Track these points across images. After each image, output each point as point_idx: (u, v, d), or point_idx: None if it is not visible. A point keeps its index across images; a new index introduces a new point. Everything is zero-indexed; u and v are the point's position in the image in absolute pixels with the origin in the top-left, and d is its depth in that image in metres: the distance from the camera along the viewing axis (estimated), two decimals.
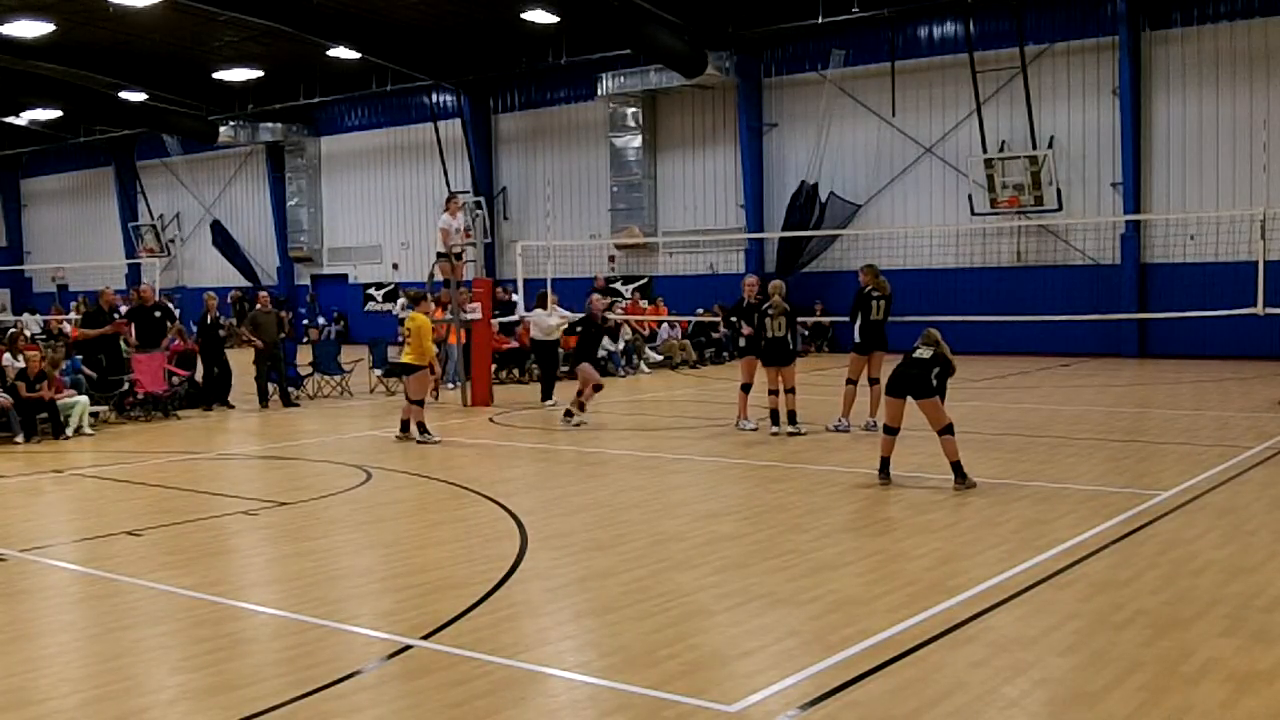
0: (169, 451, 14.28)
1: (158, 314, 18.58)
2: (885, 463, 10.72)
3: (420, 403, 14.43)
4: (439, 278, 19.38)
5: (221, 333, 18.83)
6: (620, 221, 31.41)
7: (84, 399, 15.66)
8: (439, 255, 18.86)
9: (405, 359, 14.84)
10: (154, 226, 42.52)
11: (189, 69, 33.70)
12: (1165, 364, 21.92)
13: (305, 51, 31.20)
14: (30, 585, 7.88)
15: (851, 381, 14.45)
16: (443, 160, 34.67)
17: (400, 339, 14.97)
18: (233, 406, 18.38)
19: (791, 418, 14.07)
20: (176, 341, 19.00)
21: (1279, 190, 23.38)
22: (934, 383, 10.39)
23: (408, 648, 6.19)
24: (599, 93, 30.87)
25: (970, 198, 26.23)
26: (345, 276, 38.39)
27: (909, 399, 10.47)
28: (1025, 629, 6.30)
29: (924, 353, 10.46)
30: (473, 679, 5.66)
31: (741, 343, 14.90)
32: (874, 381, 14.39)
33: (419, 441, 14.11)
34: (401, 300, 22.19)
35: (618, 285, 31.12)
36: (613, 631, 6.46)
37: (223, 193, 41.31)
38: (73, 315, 28.37)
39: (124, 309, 21.28)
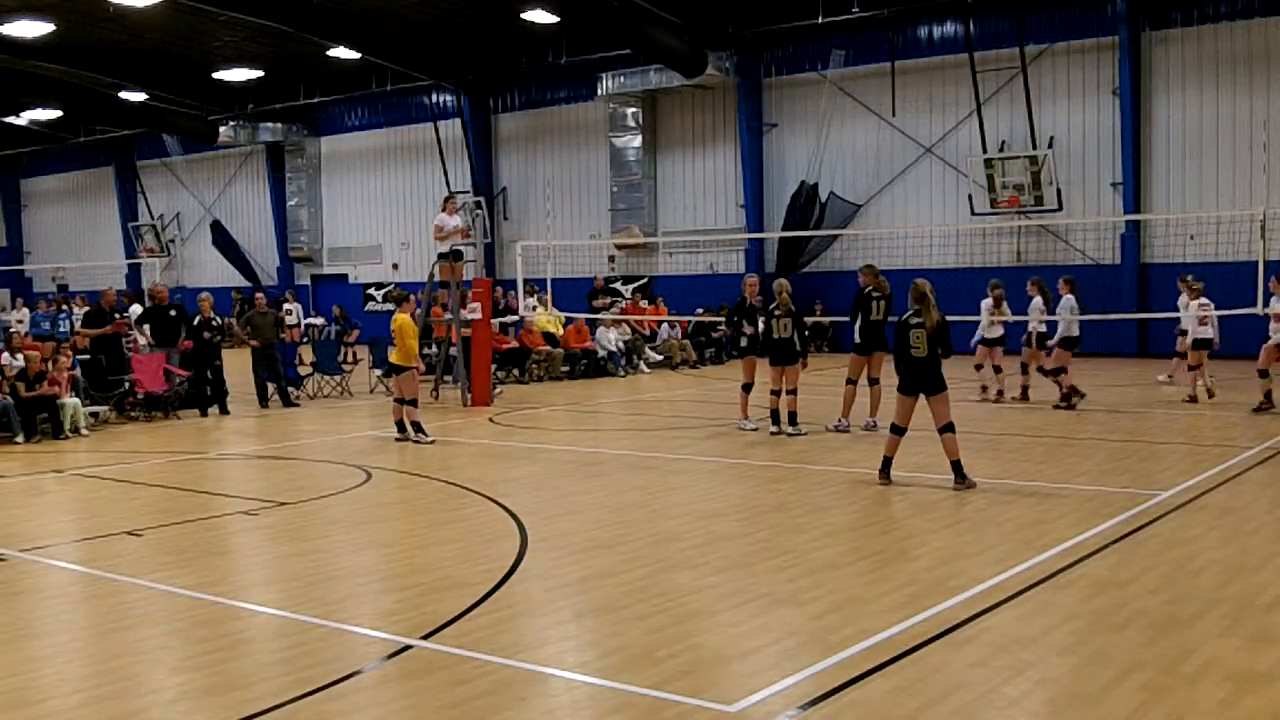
0: (169, 451, 14.28)
1: (172, 313, 18.57)
2: (888, 463, 10.70)
3: (413, 402, 14.45)
4: (439, 278, 19.40)
5: (207, 335, 17.95)
6: (620, 221, 31.41)
7: (74, 400, 15.62)
8: (440, 256, 18.86)
9: (392, 359, 14.94)
10: (154, 226, 42.53)
11: (189, 69, 33.70)
12: (1165, 364, 21.81)
13: (305, 51, 31.19)
14: (30, 585, 7.88)
15: (851, 381, 14.46)
16: (443, 160, 34.67)
17: (390, 339, 15.02)
18: (228, 412, 17.90)
19: (792, 419, 14.07)
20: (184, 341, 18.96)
21: (1279, 190, 23.38)
22: (942, 372, 10.42)
23: (408, 648, 6.19)
24: (599, 93, 30.86)
25: (970, 198, 26.22)
26: (345, 276, 38.39)
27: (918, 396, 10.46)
28: (1025, 629, 6.30)
29: (920, 340, 10.38)
30: (473, 679, 5.66)
31: (743, 343, 14.89)
32: (874, 382, 14.41)
33: (414, 441, 14.12)
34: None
35: (618, 285, 31.13)
36: (613, 631, 6.46)
37: (223, 193, 41.31)
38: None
39: (136, 309, 21.30)
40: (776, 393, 14.12)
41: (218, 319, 18.57)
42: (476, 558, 8.22)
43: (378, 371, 20.71)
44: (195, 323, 18.12)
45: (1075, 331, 16.46)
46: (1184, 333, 18.40)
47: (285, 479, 12.34)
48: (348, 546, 8.90)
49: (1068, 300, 16.54)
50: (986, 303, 17.24)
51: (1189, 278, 18.25)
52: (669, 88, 29.88)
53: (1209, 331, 16.80)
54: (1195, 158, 24.55)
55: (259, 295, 21.18)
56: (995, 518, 9.18)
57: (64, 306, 31.27)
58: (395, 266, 36.88)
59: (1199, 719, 5.05)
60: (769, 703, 5.28)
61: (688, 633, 6.36)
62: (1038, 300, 17.12)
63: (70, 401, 15.49)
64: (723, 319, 23.93)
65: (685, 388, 21.38)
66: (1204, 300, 17.03)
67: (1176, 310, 18.03)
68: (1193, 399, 16.61)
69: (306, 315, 35.72)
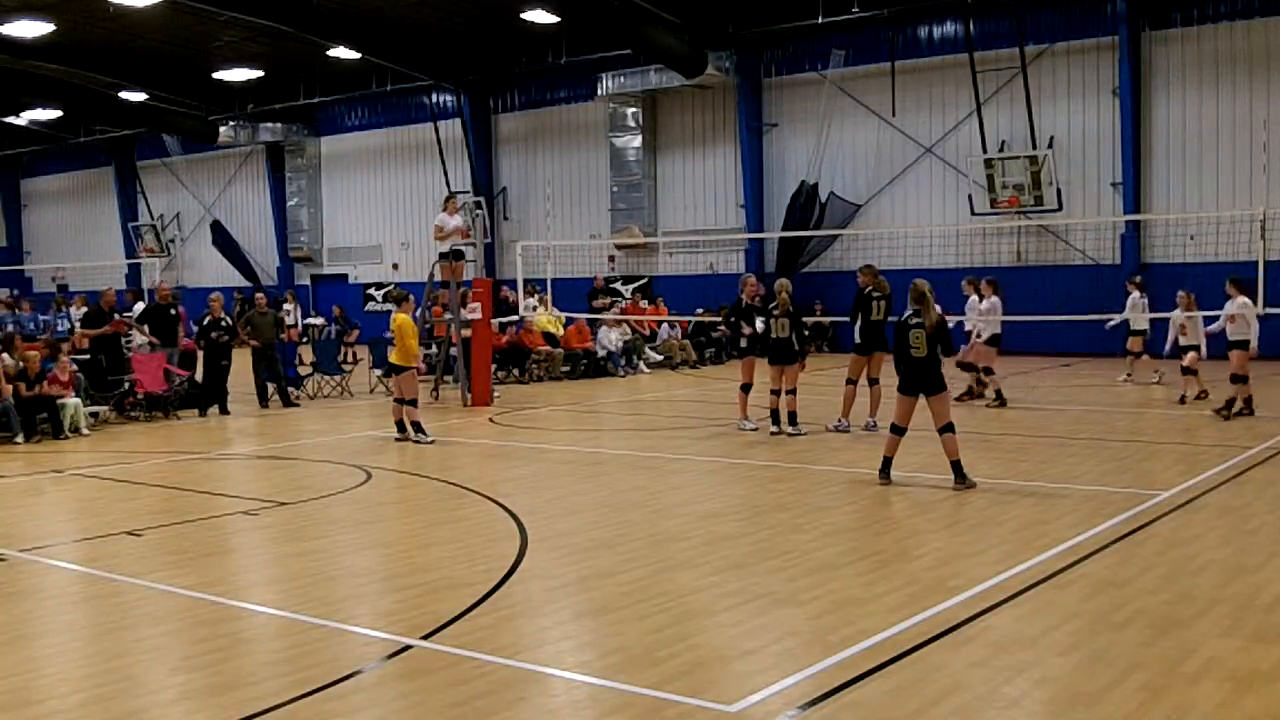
0: (169, 451, 14.28)
1: (173, 312, 18.62)
2: (888, 463, 10.71)
3: (413, 402, 14.44)
4: (439, 278, 19.40)
5: (215, 335, 17.90)
6: (620, 221, 31.40)
7: (74, 400, 15.62)
8: (441, 255, 18.87)
9: (392, 359, 14.91)
10: (154, 226, 42.52)
11: (189, 69, 33.69)
12: (1165, 364, 21.84)
13: (305, 51, 31.19)
14: (30, 585, 7.88)
15: (851, 382, 14.46)
16: (443, 160, 34.66)
17: (388, 337, 14.99)
18: (228, 412, 17.82)
19: (792, 419, 14.07)
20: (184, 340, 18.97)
21: (1279, 190, 23.38)
22: (941, 372, 10.46)
23: (408, 648, 6.19)
24: (599, 93, 30.85)
25: (970, 198, 26.22)
26: (345, 276, 38.39)
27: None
28: (1025, 629, 6.30)
29: (919, 340, 10.39)
30: (473, 679, 5.66)
31: (742, 343, 14.87)
32: (874, 382, 14.41)
33: (414, 441, 14.12)
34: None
35: (618, 285, 31.13)
36: (613, 631, 6.46)
37: (223, 193, 41.30)
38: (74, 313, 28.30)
39: (139, 308, 21.33)
40: (776, 392, 14.13)
41: (227, 319, 18.53)
42: (476, 558, 8.22)
43: (378, 371, 20.71)
44: (205, 323, 18.14)
45: (998, 330, 17.05)
46: (1136, 332, 19.73)
47: (285, 479, 12.34)
48: (348, 546, 8.90)
49: (994, 301, 17.19)
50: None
51: (1138, 278, 20.09)
52: (669, 88, 29.87)
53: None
54: (1195, 158, 24.56)
55: (259, 295, 21.18)
56: (995, 518, 9.18)
57: (63, 307, 31.22)
58: (395, 266, 36.87)
59: (1199, 719, 5.05)
60: (769, 703, 5.28)
61: (688, 633, 6.36)
62: (974, 299, 17.65)
63: (71, 401, 15.50)
64: (722, 319, 23.94)
65: (685, 388, 21.39)
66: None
67: (1174, 311, 18.06)
68: (1199, 396, 16.60)
69: (305, 315, 35.68)
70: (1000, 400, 16.67)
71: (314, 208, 38.74)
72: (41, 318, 29.39)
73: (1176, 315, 17.08)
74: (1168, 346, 17.38)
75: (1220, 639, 6.06)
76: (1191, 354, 16.63)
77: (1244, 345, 15.06)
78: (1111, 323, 20.64)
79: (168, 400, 17.46)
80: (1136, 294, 19.56)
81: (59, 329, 26.54)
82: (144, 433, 16.09)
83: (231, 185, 41.13)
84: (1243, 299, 15.20)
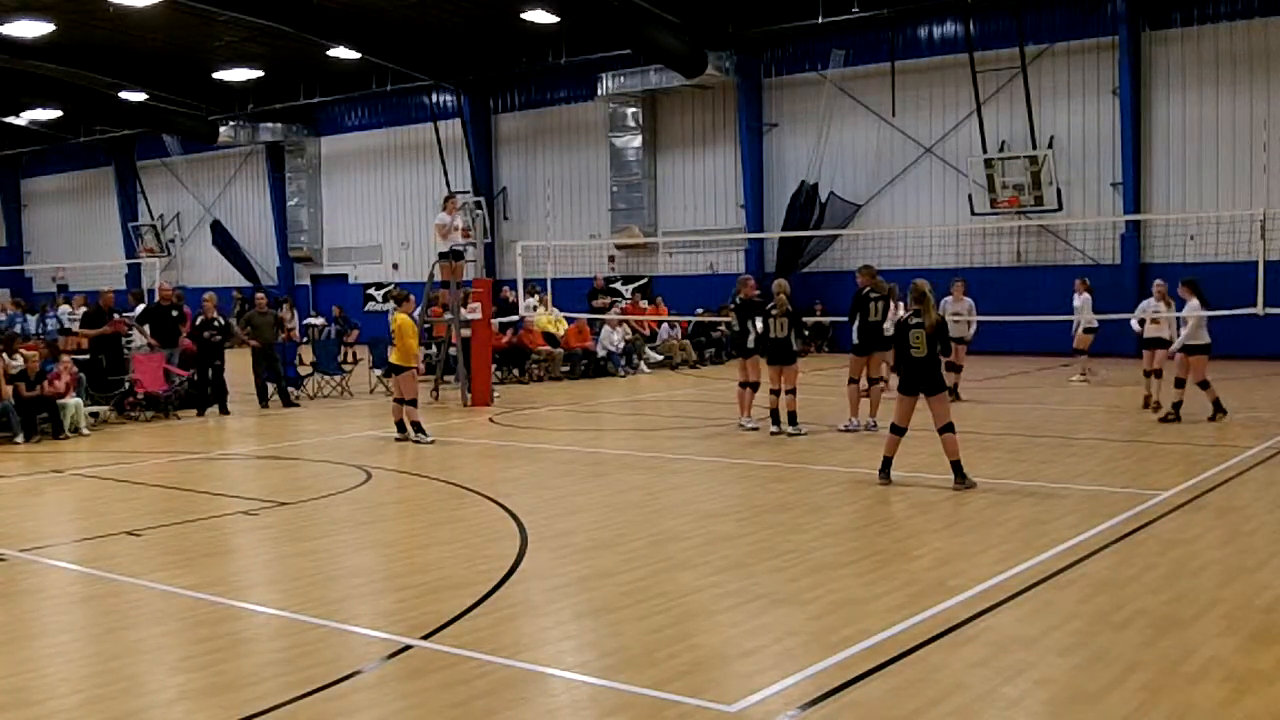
0: (169, 451, 14.28)
1: (175, 313, 18.61)
2: (888, 463, 10.71)
3: (413, 402, 14.44)
4: (439, 278, 19.40)
5: (207, 335, 17.82)
6: (620, 221, 31.41)
7: (75, 400, 15.62)
8: (441, 255, 18.87)
9: (392, 359, 14.92)
10: (154, 226, 42.53)
11: (189, 69, 33.69)
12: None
13: (305, 51, 31.18)
14: (30, 585, 7.88)
15: (854, 381, 14.47)
16: (443, 160, 34.66)
17: (389, 338, 15.01)
18: (228, 412, 17.80)
19: (792, 419, 14.07)
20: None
21: (1279, 190, 23.39)
22: (942, 369, 10.47)
23: (408, 648, 6.19)
24: (599, 93, 30.86)
25: (970, 198, 26.22)
26: (345, 276, 38.39)
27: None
28: (1025, 629, 6.30)
29: (920, 340, 10.39)
30: (473, 679, 5.66)
31: (749, 343, 14.71)
32: (873, 382, 14.42)
33: (414, 441, 14.12)
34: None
35: (618, 285, 31.13)
36: (613, 631, 6.46)
37: (223, 193, 41.31)
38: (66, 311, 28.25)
39: (140, 309, 21.31)
40: (776, 392, 14.13)
41: (220, 319, 18.50)
42: (476, 558, 8.22)
43: (378, 371, 20.70)
44: (198, 322, 18.09)
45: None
46: (1087, 330, 20.03)
47: (285, 479, 12.34)
48: (348, 546, 8.90)
49: (968, 302, 18.34)
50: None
51: (1086, 280, 20.46)
52: (669, 88, 29.88)
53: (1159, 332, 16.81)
54: (1195, 158, 24.56)
55: (259, 295, 21.17)
56: (995, 518, 9.18)
57: (59, 305, 31.15)
58: (395, 266, 36.88)
59: (1199, 719, 5.05)
60: (769, 703, 5.28)
61: (688, 633, 6.36)
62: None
63: (71, 401, 15.49)
64: (723, 320, 23.95)
65: (685, 388, 21.38)
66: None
67: (1176, 311, 17.94)
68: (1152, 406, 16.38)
69: (305, 316, 35.65)
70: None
71: (314, 208, 38.75)
72: (31, 317, 29.33)
73: (1147, 304, 16.64)
74: (1133, 320, 17.14)
75: (1220, 639, 6.06)
76: (1160, 352, 16.09)
77: (1204, 350, 14.57)
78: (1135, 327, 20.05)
79: (167, 400, 17.45)
80: (1086, 295, 19.84)
81: (49, 329, 26.53)
82: (144, 433, 16.09)
83: (231, 185, 41.13)
84: (1195, 301, 14.87)
